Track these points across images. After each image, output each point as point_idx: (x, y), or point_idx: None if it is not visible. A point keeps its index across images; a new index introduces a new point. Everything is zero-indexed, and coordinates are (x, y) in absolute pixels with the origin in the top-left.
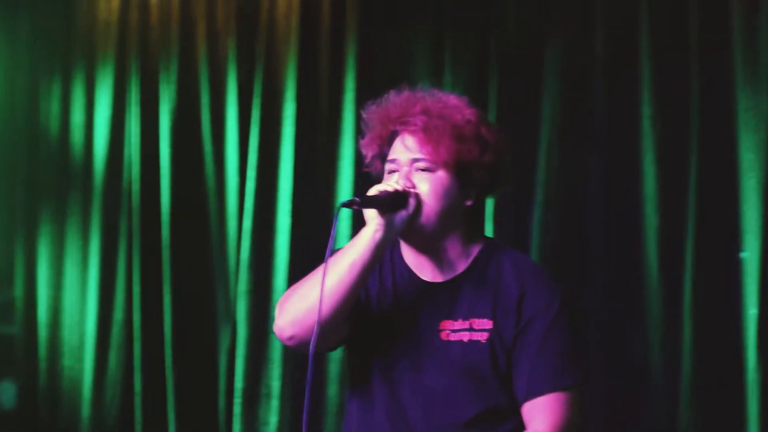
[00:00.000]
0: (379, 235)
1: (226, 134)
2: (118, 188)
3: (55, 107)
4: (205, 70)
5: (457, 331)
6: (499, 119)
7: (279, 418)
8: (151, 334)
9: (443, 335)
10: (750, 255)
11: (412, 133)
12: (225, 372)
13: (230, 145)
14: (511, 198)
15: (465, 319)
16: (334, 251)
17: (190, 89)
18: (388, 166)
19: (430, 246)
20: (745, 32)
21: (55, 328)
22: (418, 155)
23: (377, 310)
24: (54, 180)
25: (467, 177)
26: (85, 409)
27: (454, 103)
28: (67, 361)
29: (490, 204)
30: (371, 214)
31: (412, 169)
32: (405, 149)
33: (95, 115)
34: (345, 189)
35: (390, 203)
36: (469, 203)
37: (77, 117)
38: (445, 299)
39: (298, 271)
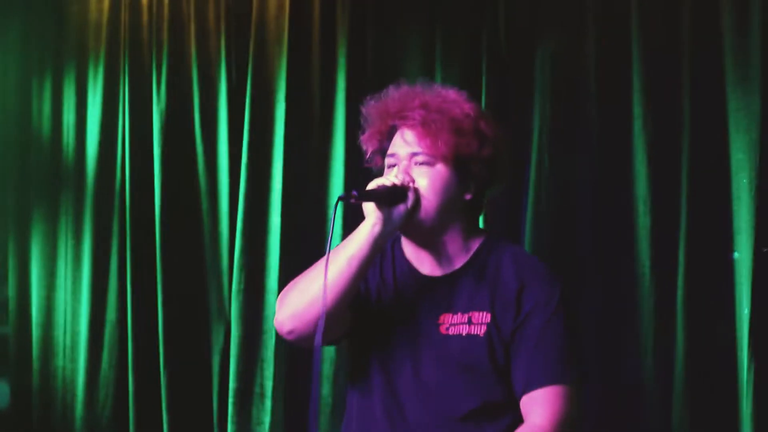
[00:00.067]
0: (377, 229)
1: (218, 134)
2: (110, 188)
3: (46, 107)
4: (195, 71)
5: (456, 324)
6: None
7: (272, 417)
8: (144, 334)
9: (442, 329)
10: (742, 255)
11: (411, 127)
12: (218, 372)
13: (221, 145)
14: (502, 198)
15: (464, 312)
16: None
17: (181, 90)
18: (387, 161)
19: (429, 240)
20: (736, 33)
21: (47, 328)
22: (416, 149)
23: (377, 303)
24: (46, 180)
25: (466, 171)
26: (78, 409)
27: (453, 98)
28: (60, 361)
29: None
30: (370, 208)
31: (411, 163)
32: (404, 143)
33: (87, 116)
34: (337, 189)
35: (388, 197)
36: (468, 197)
37: (69, 117)
38: (444, 293)
39: (290, 271)
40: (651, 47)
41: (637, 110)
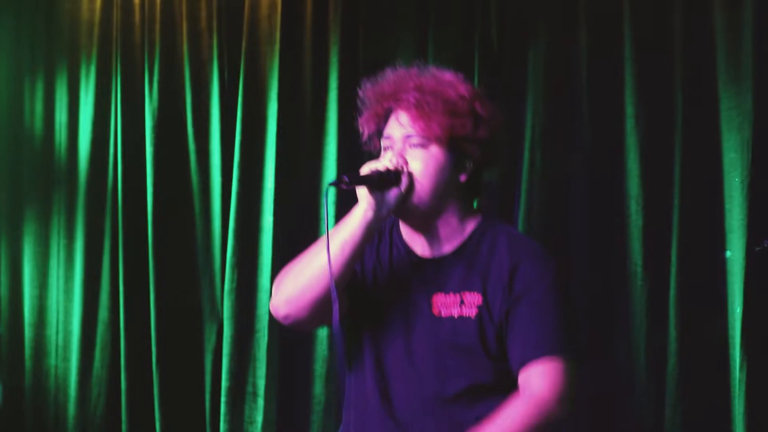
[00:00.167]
0: (369, 214)
1: (210, 133)
2: (103, 187)
3: (38, 107)
4: (188, 70)
5: (448, 304)
6: None
7: (265, 416)
8: (137, 333)
9: (435, 310)
10: (734, 254)
11: (405, 109)
12: (211, 371)
13: (214, 144)
14: (494, 196)
15: (456, 292)
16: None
17: (173, 89)
18: (383, 143)
19: (424, 222)
20: (729, 31)
21: (40, 328)
22: (410, 132)
23: (372, 284)
24: (38, 179)
25: (461, 152)
26: (71, 408)
27: (448, 79)
28: (52, 360)
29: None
30: (362, 194)
31: (405, 145)
32: (398, 126)
33: (79, 115)
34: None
35: (380, 182)
36: (463, 179)
37: (61, 116)
38: (437, 274)
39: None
40: (643, 45)
41: (630, 109)
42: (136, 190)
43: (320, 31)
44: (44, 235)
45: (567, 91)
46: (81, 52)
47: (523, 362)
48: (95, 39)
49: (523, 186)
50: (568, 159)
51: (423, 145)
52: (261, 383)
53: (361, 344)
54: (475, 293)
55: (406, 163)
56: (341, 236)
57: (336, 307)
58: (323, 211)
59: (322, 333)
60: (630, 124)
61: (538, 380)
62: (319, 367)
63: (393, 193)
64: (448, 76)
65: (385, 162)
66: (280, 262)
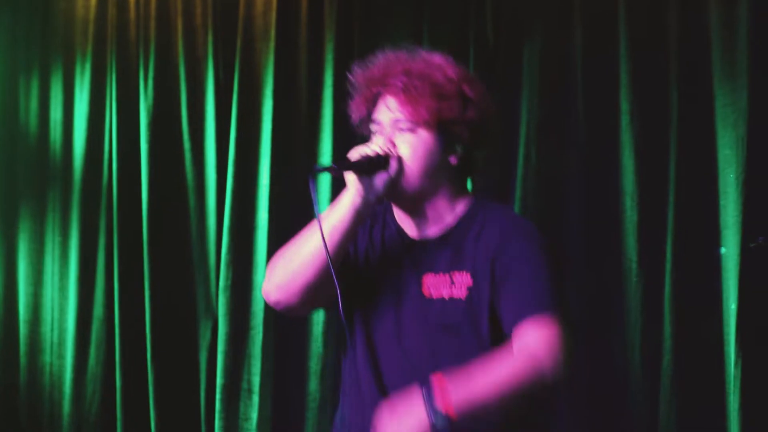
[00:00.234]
0: (358, 199)
1: (205, 131)
2: (98, 185)
3: (33, 104)
4: (183, 67)
5: (438, 285)
6: None
7: (260, 413)
8: (132, 330)
9: (425, 290)
10: (729, 251)
11: (393, 94)
12: (206, 368)
13: (209, 141)
14: (489, 193)
15: (445, 272)
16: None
17: (168, 86)
18: (372, 128)
19: (415, 205)
20: (724, 28)
21: (35, 325)
22: (398, 116)
23: (364, 264)
24: (33, 177)
25: (450, 135)
26: (66, 405)
27: (437, 63)
28: (47, 357)
29: None
30: (351, 179)
31: (394, 130)
32: (387, 110)
33: (74, 112)
34: (324, 184)
35: (369, 167)
36: (454, 161)
37: (56, 114)
38: (428, 255)
39: None
40: (638, 42)
41: (625, 105)
42: (131, 188)
43: (315, 29)
44: (39, 232)
45: (562, 88)
46: (76, 49)
47: (517, 319)
48: (90, 36)
49: (518, 182)
50: (563, 156)
51: (411, 130)
52: (256, 380)
53: (353, 325)
54: (465, 273)
55: (395, 147)
56: (330, 222)
57: (339, 292)
58: (312, 196)
59: (317, 330)
60: (625, 121)
61: (533, 336)
62: (314, 364)
63: (382, 178)
64: (437, 58)
65: (374, 147)
66: None
